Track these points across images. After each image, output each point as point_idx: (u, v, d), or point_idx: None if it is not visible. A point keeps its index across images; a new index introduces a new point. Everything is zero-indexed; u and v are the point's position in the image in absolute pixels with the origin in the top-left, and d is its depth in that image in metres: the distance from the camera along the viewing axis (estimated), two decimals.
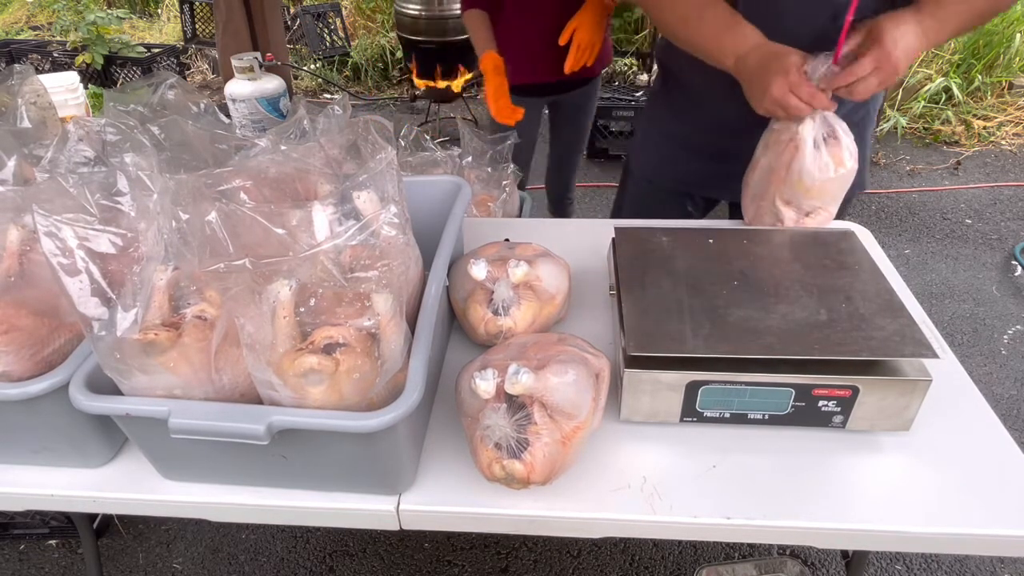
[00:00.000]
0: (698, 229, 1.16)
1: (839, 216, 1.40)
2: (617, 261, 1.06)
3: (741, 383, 0.85)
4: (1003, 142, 3.81)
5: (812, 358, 0.83)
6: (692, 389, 0.86)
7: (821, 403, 0.85)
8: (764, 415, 0.87)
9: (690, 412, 0.88)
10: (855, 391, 0.83)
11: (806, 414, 0.86)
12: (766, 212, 1.21)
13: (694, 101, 1.38)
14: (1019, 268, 2.77)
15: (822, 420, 0.87)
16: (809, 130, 1.10)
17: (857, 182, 1.34)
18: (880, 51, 1.02)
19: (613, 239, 1.11)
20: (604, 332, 1.07)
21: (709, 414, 0.88)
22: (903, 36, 1.03)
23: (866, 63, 1.02)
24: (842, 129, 1.11)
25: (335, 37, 5.02)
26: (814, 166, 1.11)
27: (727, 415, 0.88)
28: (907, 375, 0.83)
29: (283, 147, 0.95)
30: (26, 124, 1.03)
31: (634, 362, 0.86)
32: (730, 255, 1.05)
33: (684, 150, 1.44)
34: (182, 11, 5.05)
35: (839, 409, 0.85)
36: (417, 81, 3.65)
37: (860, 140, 1.31)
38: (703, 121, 1.38)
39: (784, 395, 0.85)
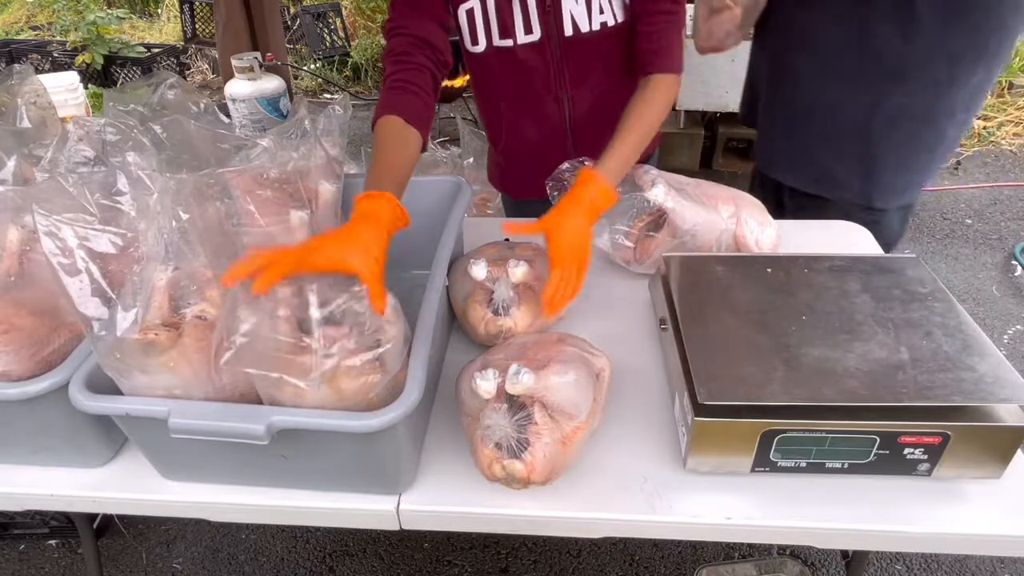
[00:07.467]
0: (754, 257, 1.09)
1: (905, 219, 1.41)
2: (670, 293, 0.99)
3: (822, 431, 0.78)
4: (1003, 142, 3.81)
5: (902, 404, 0.77)
6: (767, 438, 0.79)
7: (907, 451, 0.79)
8: (843, 464, 0.81)
9: (763, 462, 0.81)
10: (946, 438, 0.78)
11: (889, 462, 0.80)
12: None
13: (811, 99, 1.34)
14: (1019, 268, 2.77)
15: (906, 468, 0.81)
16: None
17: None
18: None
19: (660, 268, 1.05)
20: (604, 332, 1.06)
21: (783, 463, 0.82)
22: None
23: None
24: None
25: (335, 37, 5.02)
26: None
27: (803, 464, 0.81)
28: (1004, 421, 0.77)
29: (283, 147, 0.95)
30: (26, 124, 1.04)
31: (705, 411, 0.79)
32: (793, 286, 0.98)
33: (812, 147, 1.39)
34: (182, 11, 5.04)
35: (926, 457, 0.79)
36: None
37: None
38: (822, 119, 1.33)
39: (868, 443, 0.79)
